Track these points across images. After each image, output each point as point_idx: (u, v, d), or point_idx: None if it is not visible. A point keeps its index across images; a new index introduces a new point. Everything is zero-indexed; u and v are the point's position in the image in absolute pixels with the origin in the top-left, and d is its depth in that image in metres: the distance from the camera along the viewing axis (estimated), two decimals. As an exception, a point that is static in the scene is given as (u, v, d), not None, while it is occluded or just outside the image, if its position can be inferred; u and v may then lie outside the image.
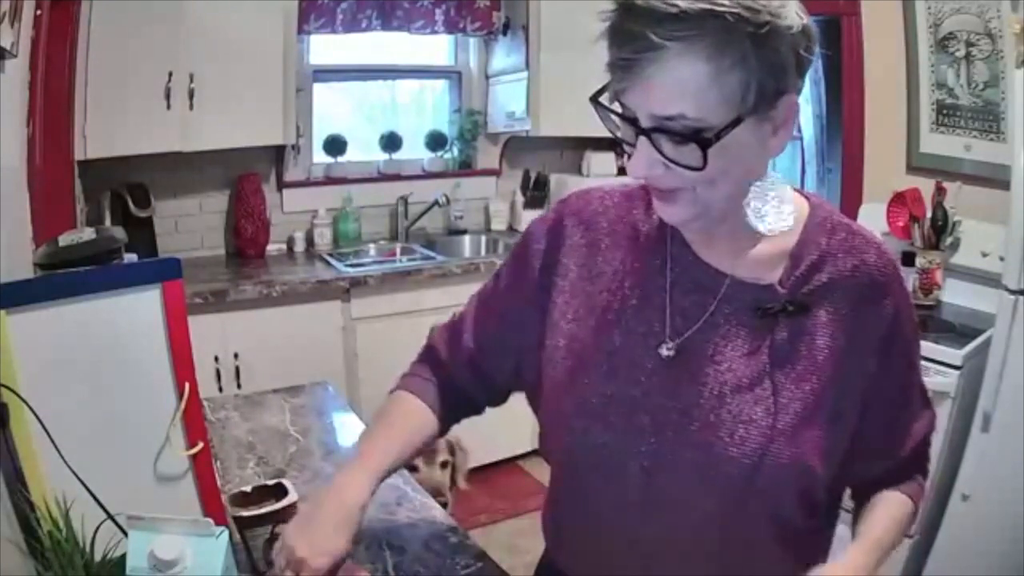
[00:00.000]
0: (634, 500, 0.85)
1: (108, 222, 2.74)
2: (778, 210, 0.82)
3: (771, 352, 0.82)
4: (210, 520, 0.85)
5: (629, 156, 0.78)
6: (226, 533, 0.85)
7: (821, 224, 0.86)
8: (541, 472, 3.01)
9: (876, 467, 0.94)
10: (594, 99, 0.76)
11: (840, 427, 0.84)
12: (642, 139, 0.74)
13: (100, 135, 2.46)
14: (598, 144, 3.49)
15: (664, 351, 0.85)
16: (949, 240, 2.50)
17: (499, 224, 3.61)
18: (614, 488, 0.87)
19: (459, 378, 1.05)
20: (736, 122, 0.71)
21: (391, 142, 3.43)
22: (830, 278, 0.84)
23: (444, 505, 1.51)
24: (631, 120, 0.74)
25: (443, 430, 1.06)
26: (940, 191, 2.49)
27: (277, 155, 3.16)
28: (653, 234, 0.90)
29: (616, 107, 0.75)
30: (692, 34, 0.68)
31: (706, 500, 0.82)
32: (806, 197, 0.89)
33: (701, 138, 0.71)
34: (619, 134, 0.78)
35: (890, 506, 0.96)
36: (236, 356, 2.64)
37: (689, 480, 0.82)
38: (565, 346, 0.91)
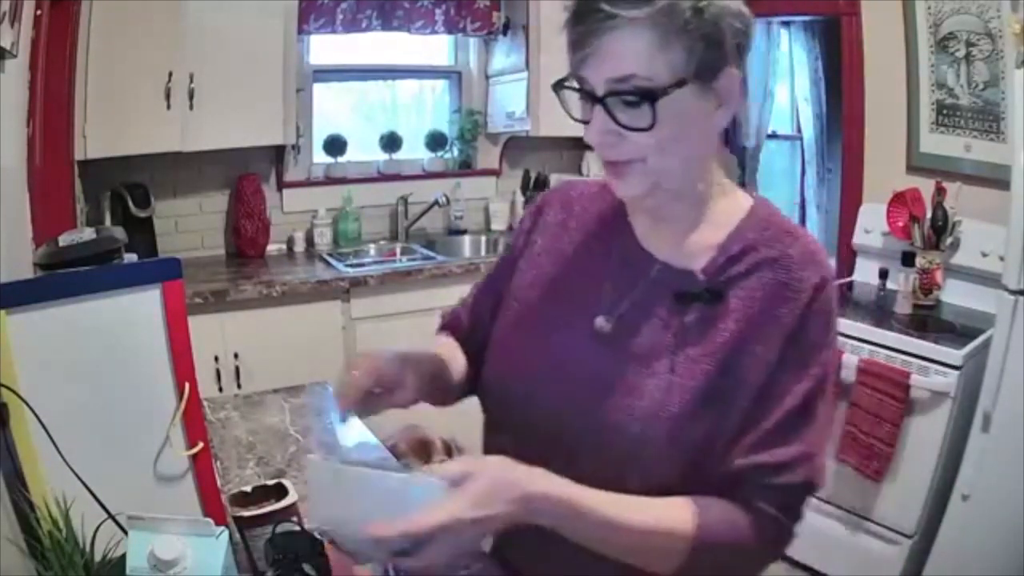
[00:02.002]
0: (543, 458, 0.87)
1: (108, 222, 2.74)
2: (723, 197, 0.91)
3: (677, 333, 0.87)
4: (210, 520, 0.85)
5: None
6: (226, 533, 0.85)
7: (755, 221, 0.90)
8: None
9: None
10: (556, 85, 0.85)
11: (729, 412, 0.85)
12: (597, 107, 0.81)
13: (100, 135, 2.46)
14: (598, 144, 3.49)
15: (599, 322, 0.91)
16: (949, 240, 2.50)
17: (499, 224, 3.61)
18: (526, 445, 0.89)
19: (463, 336, 1.10)
20: (680, 83, 0.79)
21: (391, 142, 3.43)
22: (747, 268, 0.87)
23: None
24: (588, 93, 0.82)
25: (468, 380, 1.07)
26: (940, 191, 2.49)
27: (277, 155, 3.16)
28: (610, 220, 0.98)
29: (574, 84, 0.84)
30: (641, 5, 0.77)
31: (602, 467, 0.86)
32: (754, 198, 0.94)
33: (650, 95, 0.79)
34: (577, 113, 0.86)
35: (669, 509, 0.83)
36: (236, 356, 2.64)
37: (588, 445, 0.87)
38: (514, 311, 1.01)
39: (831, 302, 0.87)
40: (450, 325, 1.14)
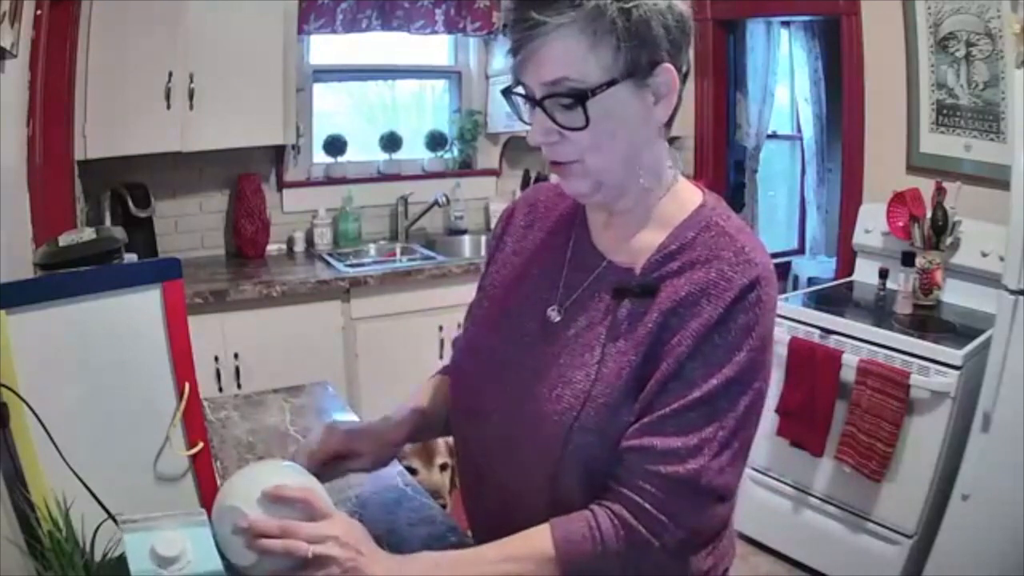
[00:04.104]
0: (494, 444, 0.95)
1: (108, 222, 2.74)
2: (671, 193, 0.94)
3: (610, 327, 0.90)
4: (202, 510, 0.86)
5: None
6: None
7: (698, 221, 0.91)
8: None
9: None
10: (504, 91, 0.88)
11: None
12: (537, 109, 0.85)
13: (100, 135, 2.46)
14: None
15: (550, 313, 0.95)
16: (949, 240, 2.50)
17: (499, 224, 3.60)
18: (481, 431, 0.98)
19: None
20: (611, 83, 0.82)
21: (391, 142, 3.43)
22: (681, 266, 0.88)
23: (443, 507, 1.51)
24: (528, 97, 0.85)
25: None
26: (940, 191, 2.49)
27: (277, 155, 3.16)
28: (570, 218, 1.01)
29: (519, 90, 0.87)
30: (567, 10, 0.80)
31: (542, 455, 0.89)
32: (704, 195, 0.95)
33: (582, 95, 0.82)
34: (526, 117, 0.88)
35: (527, 539, 0.86)
36: (236, 356, 2.64)
37: (527, 430, 0.91)
38: (483, 309, 1.05)
39: (761, 303, 0.85)
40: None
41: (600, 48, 0.80)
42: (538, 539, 0.85)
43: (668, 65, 0.84)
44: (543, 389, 0.90)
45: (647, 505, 0.83)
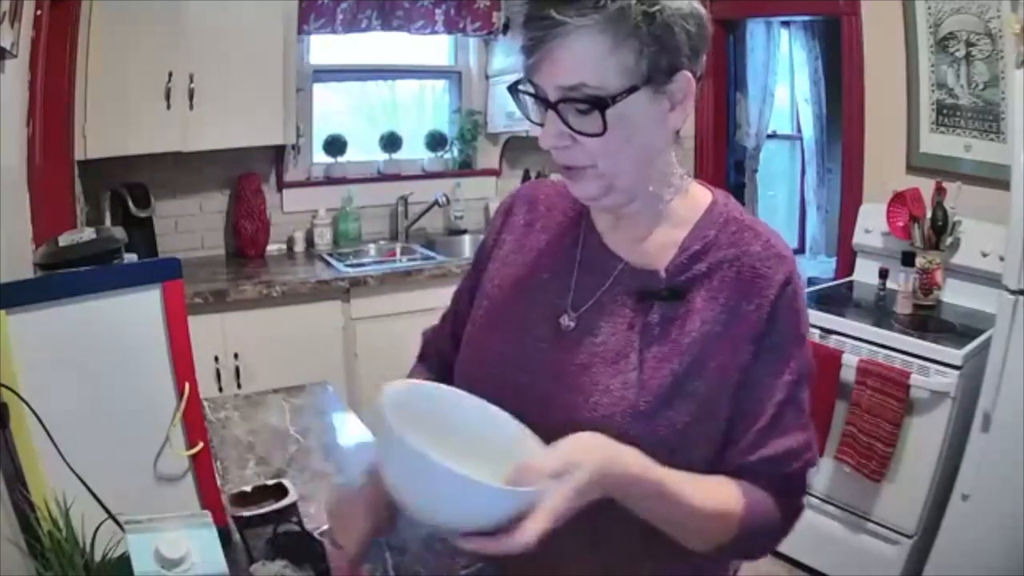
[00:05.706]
0: None
1: (108, 222, 2.74)
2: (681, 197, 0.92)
3: (642, 331, 0.87)
4: (207, 512, 0.86)
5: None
6: (209, 517, 0.86)
7: (715, 218, 0.91)
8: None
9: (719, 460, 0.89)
10: (511, 88, 0.85)
11: (702, 411, 0.86)
12: (550, 112, 0.82)
13: (100, 135, 2.46)
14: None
15: (565, 320, 0.92)
16: (949, 240, 2.50)
17: (499, 224, 3.60)
18: None
19: (447, 355, 1.09)
20: (632, 89, 0.79)
21: (391, 142, 3.43)
22: (710, 266, 0.88)
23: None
24: (541, 98, 0.83)
25: None
26: (940, 191, 2.49)
27: (277, 155, 3.16)
28: (573, 217, 0.99)
29: (529, 89, 0.84)
30: (589, 12, 0.77)
31: None
32: (712, 192, 0.95)
33: (601, 103, 0.79)
34: (534, 116, 0.86)
35: (720, 489, 0.85)
36: (236, 356, 2.64)
37: (555, 440, 0.84)
38: (484, 309, 1.01)
39: (798, 295, 0.88)
40: (428, 351, 1.16)
41: (621, 52, 0.78)
42: (733, 498, 0.85)
43: (687, 72, 0.82)
44: (576, 399, 0.87)
45: (791, 500, 0.89)
